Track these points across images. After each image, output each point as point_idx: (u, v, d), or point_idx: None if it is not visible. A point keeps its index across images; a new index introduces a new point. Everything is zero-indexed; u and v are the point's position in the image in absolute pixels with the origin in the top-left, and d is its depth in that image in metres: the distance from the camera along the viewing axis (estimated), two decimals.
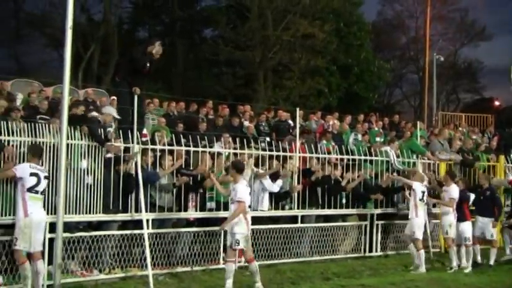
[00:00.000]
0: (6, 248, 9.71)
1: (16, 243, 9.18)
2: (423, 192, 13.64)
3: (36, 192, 9.30)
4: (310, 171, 14.27)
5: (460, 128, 24.21)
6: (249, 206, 10.86)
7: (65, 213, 9.92)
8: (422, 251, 13.40)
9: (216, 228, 12.10)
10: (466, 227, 14.06)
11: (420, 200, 13.50)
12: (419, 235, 13.48)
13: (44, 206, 9.82)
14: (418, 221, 13.49)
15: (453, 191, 13.89)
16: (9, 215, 9.75)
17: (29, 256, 9.24)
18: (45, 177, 9.44)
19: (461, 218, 14.00)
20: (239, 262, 12.56)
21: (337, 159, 15.20)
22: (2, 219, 9.83)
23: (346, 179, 14.70)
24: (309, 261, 13.80)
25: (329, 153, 15.39)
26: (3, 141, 10.00)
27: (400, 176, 15.00)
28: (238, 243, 10.44)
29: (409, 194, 14.10)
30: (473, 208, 14.87)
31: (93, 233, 10.99)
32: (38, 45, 38.75)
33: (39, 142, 10.25)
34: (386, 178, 15.22)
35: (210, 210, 12.55)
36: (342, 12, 36.96)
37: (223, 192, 11.51)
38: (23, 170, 9.27)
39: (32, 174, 9.23)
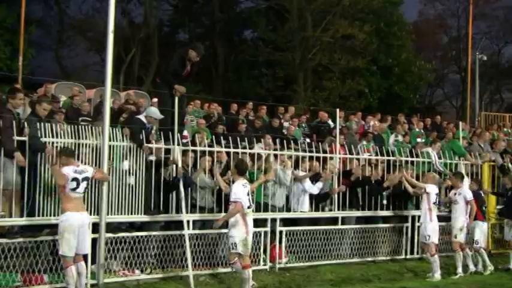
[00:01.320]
0: (51, 247, 9.88)
1: (59, 247, 9.27)
2: (437, 195, 13.32)
3: (77, 194, 9.30)
4: (350, 172, 14.20)
5: (505, 129, 23.76)
6: (248, 207, 10.38)
7: (108, 214, 10.07)
8: (436, 256, 12.96)
9: (257, 229, 12.15)
10: (476, 229, 13.73)
11: (434, 203, 13.15)
12: (435, 239, 13.10)
13: (87, 207, 9.97)
14: (433, 225, 13.08)
15: (467, 192, 13.59)
16: (54, 215, 9.92)
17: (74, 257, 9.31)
18: (84, 179, 9.36)
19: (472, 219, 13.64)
20: (279, 263, 12.63)
21: (377, 160, 15.08)
22: (47, 219, 10.02)
23: (390, 181, 14.45)
24: (349, 263, 13.71)
25: (369, 154, 15.27)
26: (47, 143, 10.16)
27: (442, 178, 14.77)
28: (236, 246, 10.15)
29: (421, 197, 13.66)
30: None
31: (135, 234, 11.11)
32: (81, 49, 39.49)
33: (82, 144, 10.42)
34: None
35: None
36: (382, 13, 36.69)
37: (223, 189, 11.35)
38: (68, 173, 9.26)
39: (73, 179, 9.25)
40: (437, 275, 12.81)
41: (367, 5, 34.33)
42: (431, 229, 13.02)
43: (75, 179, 9.24)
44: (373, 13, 35.90)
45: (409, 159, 15.32)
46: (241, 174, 10.48)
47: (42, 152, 10.03)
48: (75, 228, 9.15)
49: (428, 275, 12.91)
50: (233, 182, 10.66)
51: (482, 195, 14.52)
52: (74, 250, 9.19)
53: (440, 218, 13.72)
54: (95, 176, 9.60)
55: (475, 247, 13.78)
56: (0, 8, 28.63)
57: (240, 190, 10.19)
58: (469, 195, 13.56)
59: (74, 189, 9.22)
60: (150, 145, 11.28)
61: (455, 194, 13.74)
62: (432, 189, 13.23)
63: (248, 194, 10.35)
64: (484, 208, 14.50)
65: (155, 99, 15.11)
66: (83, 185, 9.33)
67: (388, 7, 37.02)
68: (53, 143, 10.14)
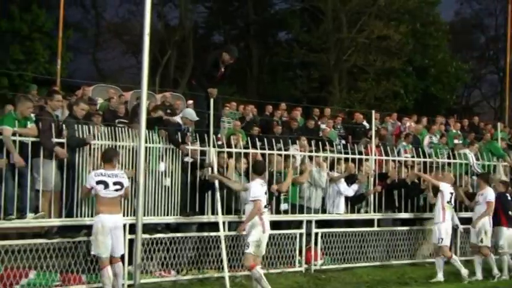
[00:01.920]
0: (89, 248, 10.01)
1: (92, 249, 9.41)
2: (451, 194, 12.81)
3: (109, 195, 9.35)
4: (386, 174, 14.11)
5: None
6: (265, 206, 10.33)
7: (144, 215, 10.15)
8: (455, 257, 12.65)
9: (293, 231, 12.18)
10: (500, 233, 13.12)
11: (448, 202, 12.68)
12: (447, 241, 12.63)
13: (123, 208, 10.08)
14: (445, 226, 12.60)
15: (490, 194, 13.05)
16: (90, 216, 10.06)
17: (110, 258, 9.42)
18: (116, 183, 9.40)
19: (495, 223, 13.09)
20: (315, 265, 12.60)
21: (413, 161, 14.94)
22: (84, 220, 10.15)
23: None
24: (386, 265, 13.62)
25: (412, 155, 15.15)
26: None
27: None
28: (248, 246, 10.10)
29: (435, 196, 13.14)
30: None
31: (171, 235, 11.19)
32: (117, 52, 39.91)
33: (119, 146, 10.53)
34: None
35: (285, 212, 12.56)
36: (418, 13, 36.29)
37: (236, 186, 11.33)
38: (90, 181, 9.39)
39: (98, 182, 9.30)
40: (440, 276, 12.42)
41: (402, 5, 34.04)
42: (444, 231, 12.55)
43: (101, 182, 9.30)
44: (409, 13, 35.55)
45: (446, 160, 15.15)
46: (259, 174, 10.50)
47: (84, 146, 10.18)
48: (108, 230, 9.24)
49: (468, 278, 12.55)
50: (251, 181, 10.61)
51: (509, 199, 13.61)
52: (109, 251, 9.30)
53: (462, 221, 13.59)
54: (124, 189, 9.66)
55: (500, 252, 13.14)
56: (39, 13, 29.10)
57: (259, 189, 10.20)
58: (490, 197, 13.02)
59: (104, 190, 9.31)
60: (186, 146, 11.36)
61: (479, 195, 13.29)
62: (446, 187, 12.79)
63: (266, 194, 10.37)
64: (510, 213, 13.36)
65: (190, 101, 15.20)
66: (114, 187, 9.38)
67: (424, 7, 36.60)
68: (90, 144, 10.26)
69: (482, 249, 12.95)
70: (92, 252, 9.43)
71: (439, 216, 12.66)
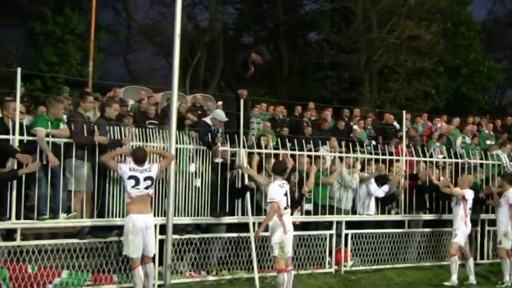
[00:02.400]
0: (120, 248, 10.11)
1: (123, 249, 9.46)
2: (473, 200, 12.48)
3: (139, 192, 9.35)
4: (417, 175, 14.00)
5: None
6: (285, 208, 9.98)
7: (174, 216, 10.22)
8: (456, 258, 12.18)
9: (322, 232, 12.15)
10: None
11: (470, 208, 12.36)
12: (460, 240, 12.23)
13: (154, 209, 10.14)
14: (466, 230, 12.35)
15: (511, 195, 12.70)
16: (125, 216, 10.15)
17: (141, 259, 9.47)
18: (147, 178, 9.39)
19: None
20: (345, 266, 12.56)
21: (445, 162, 14.80)
22: (115, 220, 10.26)
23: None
24: (417, 267, 13.52)
25: (443, 156, 15.02)
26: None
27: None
28: (272, 249, 9.86)
29: (456, 203, 12.61)
30: None
31: (201, 235, 11.25)
32: (148, 54, 40.20)
33: (149, 146, 10.62)
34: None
35: (308, 212, 12.49)
36: (450, 12, 35.95)
37: (261, 180, 11.10)
38: (123, 170, 9.41)
39: (130, 177, 9.33)
40: (454, 278, 12.10)
41: (433, 4, 33.73)
42: (461, 232, 12.28)
43: (132, 177, 9.32)
44: (440, 13, 35.23)
45: (478, 161, 14.99)
46: (279, 174, 10.17)
47: (119, 147, 10.28)
48: (139, 230, 9.27)
49: (503, 282, 12.32)
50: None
51: None
52: (140, 252, 9.34)
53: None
54: (161, 167, 9.69)
55: None
56: (72, 15, 29.48)
57: (276, 190, 9.84)
58: None
59: (134, 187, 9.31)
60: (217, 147, 11.41)
61: (501, 196, 12.96)
62: (470, 194, 12.43)
63: (286, 195, 10.00)
64: None
65: (220, 102, 15.26)
66: (146, 183, 9.36)
67: (456, 6, 36.23)
68: (121, 145, 10.37)
69: (500, 251, 12.71)
70: (124, 253, 9.50)
71: (460, 223, 12.29)
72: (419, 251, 13.85)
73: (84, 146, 10.05)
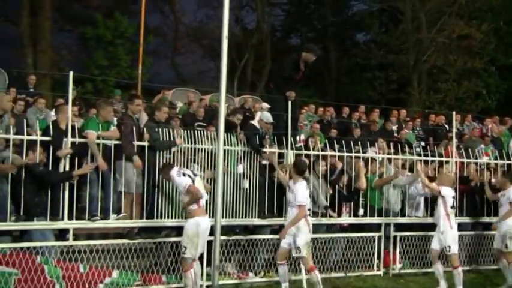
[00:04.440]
0: (169, 249, 10.23)
1: (185, 251, 9.50)
2: (454, 198, 11.67)
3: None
4: (468, 178, 13.77)
5: None
6: (309, 209, 10.12)
7: (222, 217, 10.28)
8: (460, 269, 11.42)
9: (371, 234, 12.06)
10: None
11: (452, 207, 11.53)
12: (455, 249, 11.48)
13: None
14: (453, 233, 11.42)
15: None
16: (174, 218, 10.28)
17: None
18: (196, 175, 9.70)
19: None
20: (393, 269, 12.43)
21: (496, 164, 14.51)
22: (165, 221, 10.38)
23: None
24: (467, 270, 13.26)
25: (488, 158, 14.74)
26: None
27: None
28: (300, 250, 9.89)
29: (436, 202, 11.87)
30: None
31: (249, 237, 11.29)
32: (196, 56, 40.46)
33: (198, 148, 10.74)
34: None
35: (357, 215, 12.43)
36: (502, 10, 35.23)
37: (281, 176, 11.10)
38: (185, 180, 9.58)
39: (182, 175, 9.60)
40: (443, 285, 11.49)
41: (485, 3, 33.15)
42: (451, 238, 11.38)
43: (184, 174, 9.61)
44: (492, 11, 34.56)
45: None
46: (301, 174, 10.16)
47: (172, 148, 10.46)
48: (204, 232, 9.50)
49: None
50: (293, 182, 10.20)
51: None
52: (197, 253, 9.55)
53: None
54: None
55: None
56: (121, 20, 29.93)
57: (305, 193, 9.96)
58: None
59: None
60: (264, 149, 11.45)
61: (501, 195, 12.39)
62: (448, 192, 11.61)
63: (308, 197, 10.16)
64: None
65: (266, 105, 15.31)
66: (196, 181, 9.68)
67: (508, 4, 35.49)
68: (171, 146, 10.50)
69: (506, 255, 12.07)
70: (186, 256, 9.49)
71: (444, 224, 11.43)
72: (468, 254, 13.54)
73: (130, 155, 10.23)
